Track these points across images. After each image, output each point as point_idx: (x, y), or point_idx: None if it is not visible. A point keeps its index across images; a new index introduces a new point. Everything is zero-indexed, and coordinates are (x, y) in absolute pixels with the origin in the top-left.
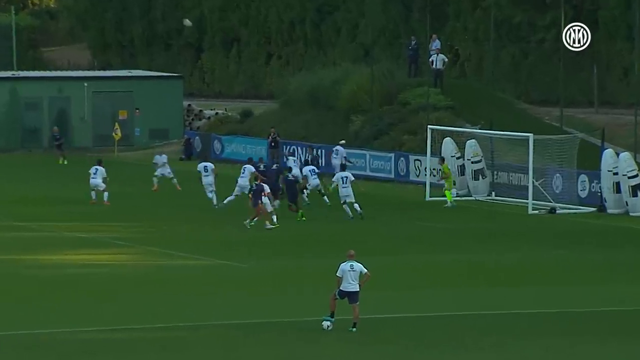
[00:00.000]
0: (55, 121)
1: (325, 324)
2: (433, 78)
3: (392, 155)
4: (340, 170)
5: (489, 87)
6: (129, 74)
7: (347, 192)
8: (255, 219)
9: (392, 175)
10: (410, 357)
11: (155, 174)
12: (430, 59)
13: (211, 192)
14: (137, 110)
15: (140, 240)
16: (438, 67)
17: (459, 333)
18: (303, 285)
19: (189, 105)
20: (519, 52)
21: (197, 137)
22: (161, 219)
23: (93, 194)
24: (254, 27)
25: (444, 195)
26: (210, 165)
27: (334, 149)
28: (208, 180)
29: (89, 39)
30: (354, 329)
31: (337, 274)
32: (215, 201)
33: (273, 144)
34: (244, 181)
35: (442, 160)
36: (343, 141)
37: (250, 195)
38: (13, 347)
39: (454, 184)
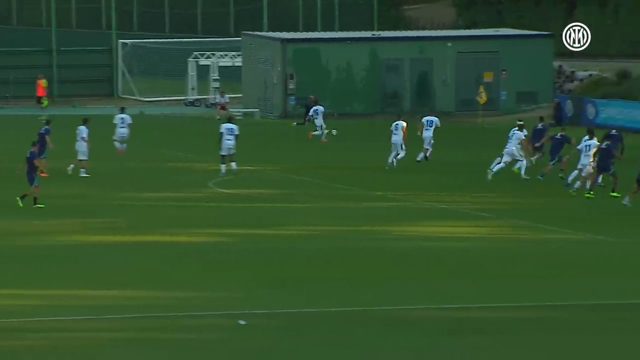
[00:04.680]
0: (416, 84)
1: None
2: None
3: None
4: None
5: None
6: (495, 33)
7: None
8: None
9: None
10: None
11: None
12: None
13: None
14: (504, 72)
15: (506, 212)
16: None
17: None
18: None
19: (560, 66)
20: None
21: (568, 101)
22: (523, 189)
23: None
24: None
25: None
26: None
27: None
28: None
29: None
30: None
31: None
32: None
33: None
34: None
35: None
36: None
37: None
38: (373, 322)
39: None
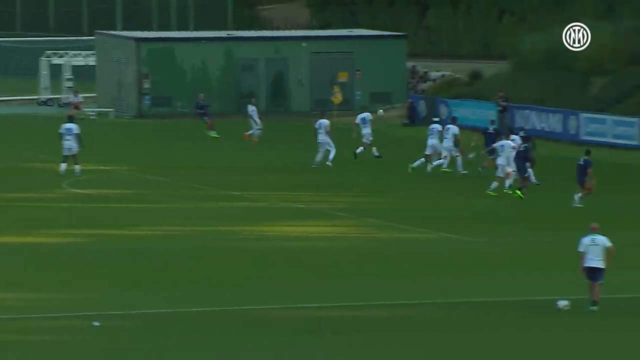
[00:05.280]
0: (272, 84)
1: (561, 303)
2: None
3: (637, 120)
4: None
5: None
6: (350, 34)
7: None
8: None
9: (637, 142)
10: None
11: None
12: None
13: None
14: (358, 72)
15: (362, 211)
16: None
17: None
18: (535, 261)
19: (413, 66)
20: None
21: (421, 101)
22: (381, 188)
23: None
24: None
25: None
26: (368, 115)
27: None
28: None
29: None
30: (594, 308)
31: (578, 249)
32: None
33: (500, 108)
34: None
35: None
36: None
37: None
38: (233, 322)
39: None
